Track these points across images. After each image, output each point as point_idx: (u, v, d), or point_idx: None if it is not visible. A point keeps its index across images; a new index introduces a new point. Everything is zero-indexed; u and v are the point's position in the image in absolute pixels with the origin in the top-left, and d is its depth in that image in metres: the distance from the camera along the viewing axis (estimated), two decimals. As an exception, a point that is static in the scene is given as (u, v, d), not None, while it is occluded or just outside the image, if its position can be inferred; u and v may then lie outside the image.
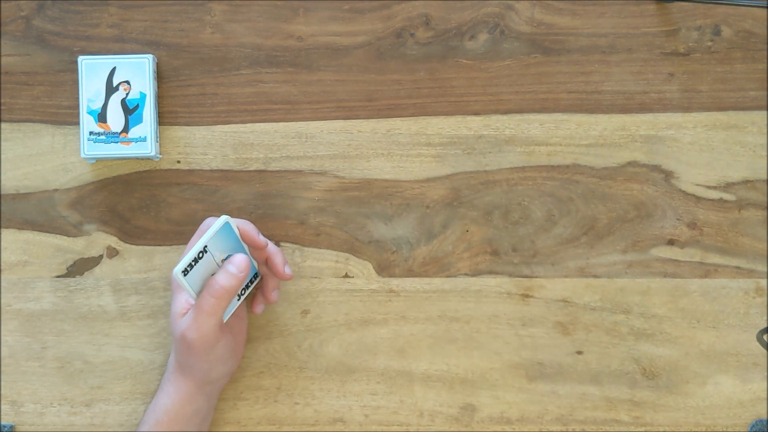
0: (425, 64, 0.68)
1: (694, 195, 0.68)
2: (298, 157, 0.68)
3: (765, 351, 0.68)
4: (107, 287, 0.67)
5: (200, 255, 0.58)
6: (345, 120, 0.68)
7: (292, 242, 0.68)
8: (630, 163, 0.68)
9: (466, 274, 0.68)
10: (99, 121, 0.65)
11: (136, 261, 0.68)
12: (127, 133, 0.65)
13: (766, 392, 0.68)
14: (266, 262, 0.64)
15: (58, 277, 0.67)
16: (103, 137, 0.65)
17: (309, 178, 0.68)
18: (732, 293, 0.68)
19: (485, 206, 0.68)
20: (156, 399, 0.62)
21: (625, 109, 0.68)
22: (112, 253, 0.68)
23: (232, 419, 0.68)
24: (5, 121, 0.67)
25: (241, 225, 0.62)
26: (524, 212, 0.68)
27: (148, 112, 0.65)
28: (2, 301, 0.67)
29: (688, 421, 0.68)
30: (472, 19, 0.68)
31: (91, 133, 0.65)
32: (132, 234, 0.68)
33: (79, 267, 0.67)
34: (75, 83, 0.67)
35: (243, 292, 0.63)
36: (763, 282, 0.68)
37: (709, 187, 0.68)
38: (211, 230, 0.59)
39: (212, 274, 0.60)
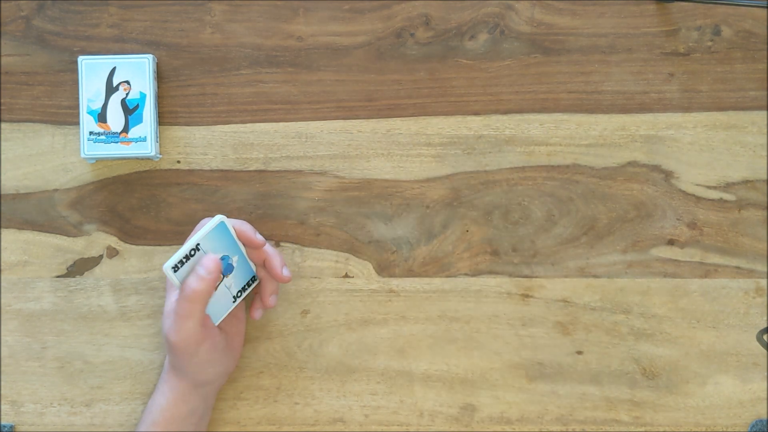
0: (425, 64, 0.68)
1: (694, 195, 0.68)
2: (298, 157, 0.68)
3: (765, 351, 0.68)
4: (107, 287, 0.67)
5: (192, 252, 0.58)
6: (345, 120, 0.68)
7: (292, 242, 0.68)
8: (630, 163, 0.68)
9: (466, 274, 0.68)
10: (99, 121, 0.65)
11: (136, 261, 0.68)
12: (127, 133, 0.65)
13: (766, 392, 0.68)
14: (264, 264, 0.63)
15: (58, 277, 0.67)
16: (103, 137, 0.65)
17: (309, 178, 0.68)
18: (732, 293, 0.68)
19: (485, 206, 0.68)
20: (152, 399, 0.62)
21: (625, 109, 0.68)
22: (112, 253, 0.68)
23: (232, 419, 0.68)
24: (5, 121, 0.67)
25: (237, 225, 0.62)
26: (524, 212, 0.68)
27: (148, 112, 0.65)
28: (2, 301, 0.67)
29: (688, 421, 0.68)
30: (472, 19, 0.68)
31: (91, 133, 0.65)
32: (132, 234, 0.68)
33: (79, 267, 0.67)
34: (75, 83, 0.67)
35: (239, 294, 0.63)
36: (763, 282, 0.68)
37: (709, 187, 0.68)
38: (205, 228, 0.59)
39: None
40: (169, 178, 0.68)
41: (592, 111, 0.68)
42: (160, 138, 0.67)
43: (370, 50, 0.68)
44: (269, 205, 0.68)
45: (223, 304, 0.62)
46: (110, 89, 0.65)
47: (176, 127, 0.68)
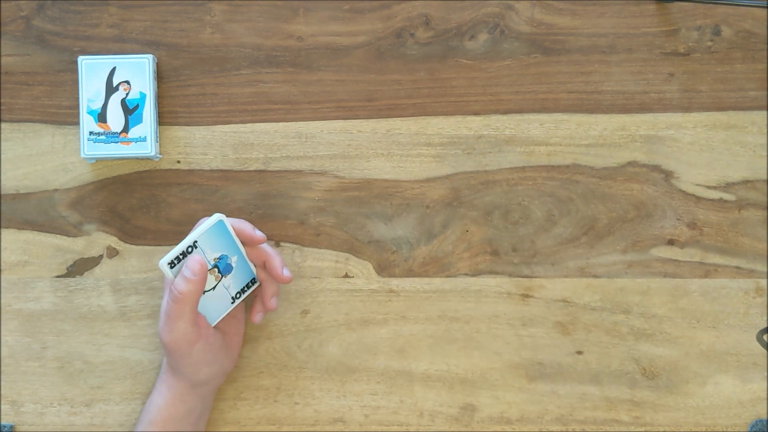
0: (425, 64, 0.68)
1: (694, 195, 0.68)
2: (298, 157, 0.68)
3: (765, 351, 0.68)
4: (107, 287, 0.67)
5: (189, 250, 0.58)
6: (345, 120, 0.68)
7: (292, 242, 0.68)
8: (630, 163, 0.68)
9: (466, 274, 0.68)
10: (99, 121, 0.65)
11: (136, 261, 0.68)
12: (127, 133, 0.65)
13: (766, 392, 0.68)
14: (264, 265, 0.63)
15: (58, 277, 0.67)
16: (103, 137, 0.65)
17: (309, 178, 0.68)
18: (732, 293, 0.68)
19: (485, 206, 0.68)
20: (150, 398, 0.62)
21: (625, 109, 0.68)
22: (112, 253, 0.68)
23: (232, 419, 0.68)
24: (5, 121, 0.67)
25: (237, 223, 0.62)
26: (524, 212, 0.68)
27: (148, 112, 0.65)
28: (2, 301, 0.67)
29: (688, 421, 0.68)
30: (472, 19, 0.68)
31: (91, 133, 0.65)
32: (132, 234, 0.68)
33: (79, 267, 0.67)
34: (75, 83, 0.67)
35: (238, 295, 0.63)
36: (763, 282, 0.68)
37: (709, 187, 0.68)
38: (203, 226, 0.59)
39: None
40: (169, 178, 0.68)
41: (592, 111, 0.68)
42: (160, 138, 0.67)
43: (370, 50, 0.68)
44: (269, 205, 0.68)
45: (221, 304, 0.62)
46: (110, 89, 0.65)
47: (176, 127, 0.68)
